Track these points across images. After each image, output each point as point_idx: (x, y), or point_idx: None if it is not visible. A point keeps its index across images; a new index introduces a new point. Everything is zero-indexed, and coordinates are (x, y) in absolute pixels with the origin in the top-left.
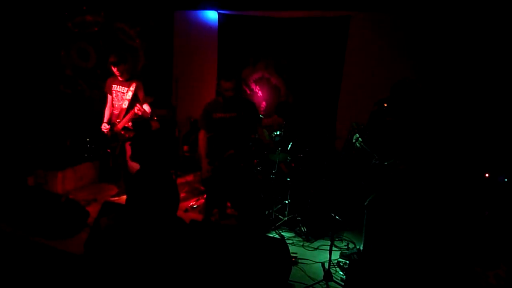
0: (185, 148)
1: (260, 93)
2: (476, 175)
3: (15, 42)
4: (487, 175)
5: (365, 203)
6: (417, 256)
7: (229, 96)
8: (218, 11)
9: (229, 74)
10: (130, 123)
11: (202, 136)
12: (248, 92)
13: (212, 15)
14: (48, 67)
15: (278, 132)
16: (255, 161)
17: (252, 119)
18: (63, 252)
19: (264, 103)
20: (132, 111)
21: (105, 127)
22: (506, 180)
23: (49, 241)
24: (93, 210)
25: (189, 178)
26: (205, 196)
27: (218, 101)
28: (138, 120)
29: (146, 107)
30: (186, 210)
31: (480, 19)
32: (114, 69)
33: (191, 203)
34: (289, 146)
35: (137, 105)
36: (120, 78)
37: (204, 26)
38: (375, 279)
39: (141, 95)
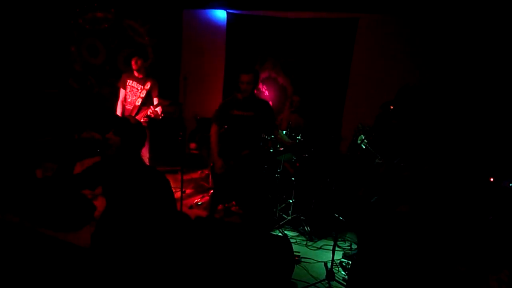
0: (192, 145)
1: (266, 93)
2: (480, 179)
3: (27, 36)
4: (491, 179)
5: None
6: (418, 259)
7: (248, 92)
8: (227, 10)
9: (248, 67)
10: (143, 120)
11: (214, 131)
12: (255, 91)
13: (220, 14)
14: (58, 62)
15: (284, 132)
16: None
17: (268, 121)
18: (70, 244)
19: (270, 102)
20: (146, 111)
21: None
22: (511, 185)
23: (57, 233)
24: (100, 204)
25: (195, 175)
26: (210, 193)
27: (237, 98)
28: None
29: (158, 110)
30: (191, 207)
31: (488, 23)
32: (133, 61)
33: (196, 200)
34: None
35: (151, 107)
36: (136, 74)
37: (212, 25)
38: (377, 279)
39: (155, 94)
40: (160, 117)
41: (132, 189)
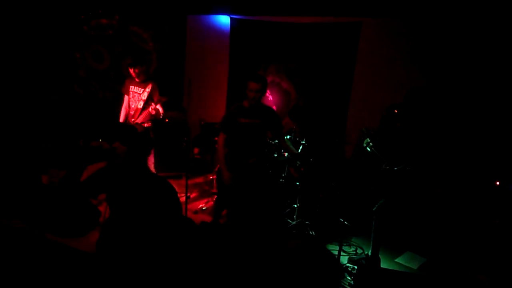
0: (196, 150)
1: (270, 98)
2: (486, 183)
3: (33, 43)
4: (497, 183)
5: (374, 209)
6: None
7: (256, 100)
8: (231, 16)
9: (257, 75)
10: (144, 122)
11: (221, 140)
12: None
13: (224, 20)
14: (63, 68)
15: (288, 137)
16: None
17: (274, 127)
18: (75, 250)
19: (274, 107)
20: (147, 111)
21: None
22: None
23: (62, 239)
24: (104, 209)
25: (199, 180)
26: (214, 198)
27: (243, 105)
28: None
29: (159, 108)
30: (196, 212)
31: (491, 26)
32: (131, 70)
33: (200, 205)
34: (299, 149)
35: (152, 104)
36: (136, 80)
37: (216, 30)
38: (383, 284)
39: (155, 96)
40: (161, 116)
41: (137, 196)
